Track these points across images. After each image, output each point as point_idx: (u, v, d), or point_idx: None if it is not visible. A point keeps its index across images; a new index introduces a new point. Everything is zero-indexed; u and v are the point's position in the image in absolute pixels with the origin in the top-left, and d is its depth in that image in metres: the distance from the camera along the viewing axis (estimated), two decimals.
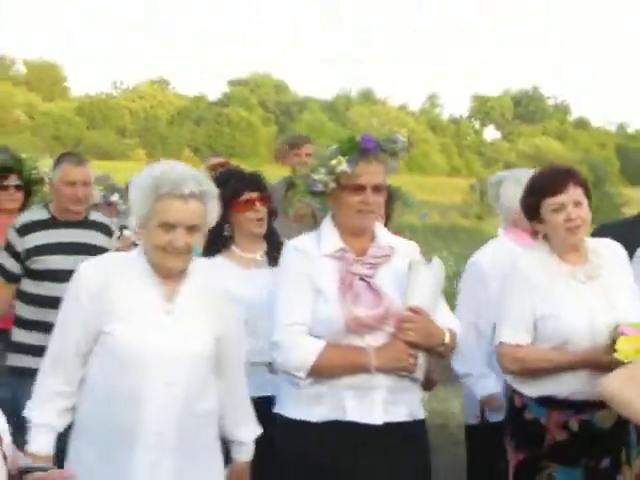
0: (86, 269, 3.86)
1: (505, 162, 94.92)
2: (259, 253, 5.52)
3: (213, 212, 3.87)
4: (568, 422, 4.61)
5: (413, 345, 4.25)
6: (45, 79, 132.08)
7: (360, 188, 4.36)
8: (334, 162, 4.38)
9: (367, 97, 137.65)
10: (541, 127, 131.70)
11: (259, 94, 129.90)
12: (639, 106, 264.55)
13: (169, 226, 3.66)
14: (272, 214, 5.69)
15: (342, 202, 4.45)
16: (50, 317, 5.12)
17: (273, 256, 5.43)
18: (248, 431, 4.18)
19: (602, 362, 4.43)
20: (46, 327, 5.11)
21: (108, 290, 3.70)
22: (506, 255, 5.60)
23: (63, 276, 5.31)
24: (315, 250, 4.47)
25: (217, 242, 5.24)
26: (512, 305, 4.80)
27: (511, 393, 4.89)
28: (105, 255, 4.80)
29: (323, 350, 4.23)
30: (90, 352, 3.75)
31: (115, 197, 9.80)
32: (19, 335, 5.93)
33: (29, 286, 5.95)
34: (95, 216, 6.49)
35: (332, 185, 4.43)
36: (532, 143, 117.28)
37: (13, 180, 6.94)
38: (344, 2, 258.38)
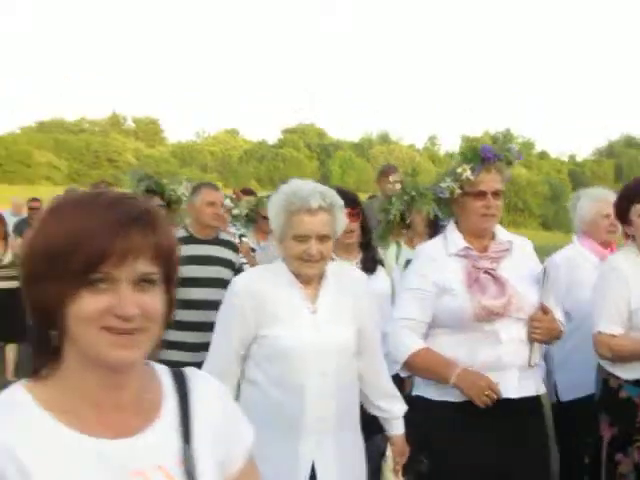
0: (242, 280, 3.74)
1: None
2: (355, 261, 5.44)
3: (340, 221, 3.66)
4: None
5: (538, 341, 4.09)
6: (148, 130, 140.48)
7: (482, 194, 4.16)
8: (459, 170, 4.22)
9: (384, 138, 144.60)
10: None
11: (305, 138, 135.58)
12: (585, 140, 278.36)
13: (302, 238, 3.52)
14: (365, 227, 5.62)
15: (466, 207, 4.24)
16: (187, 316, 5.63)
17: (367, 265, 5.47)
18: (398, 407, 3.93)
19: None
20: (185, 325, 5.63)
21: (262, 298, 3.56)
22: (579, 257, 5.67)
23: (199, 283, 5.84)
24: (442, 251, 4.26)
25: None
26: (608, 299, 4.51)
27: (606, 375, 4.56)
28: (256, 268, 4.59)
29: (416, 352, 4.08)
30: (248, 353, 3.63)
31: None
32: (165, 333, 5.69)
33: None
34: (223, 235, 6.54)
35: (458, 191, 4.23)
36: None
37: (156, 201, 6.62)
38: (367, 68, 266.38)
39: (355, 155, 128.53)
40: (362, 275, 4.04)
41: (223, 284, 5.11)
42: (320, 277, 3.68)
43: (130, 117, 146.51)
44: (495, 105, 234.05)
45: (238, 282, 3.73)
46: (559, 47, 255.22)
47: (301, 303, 3.61)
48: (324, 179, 65.98)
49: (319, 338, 3.58)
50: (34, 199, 13.59)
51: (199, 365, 4.33)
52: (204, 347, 4.68)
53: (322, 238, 3.56)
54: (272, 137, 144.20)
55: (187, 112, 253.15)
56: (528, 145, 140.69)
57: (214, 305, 4.77)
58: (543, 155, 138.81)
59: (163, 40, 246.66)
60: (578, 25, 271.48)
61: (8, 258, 10.27)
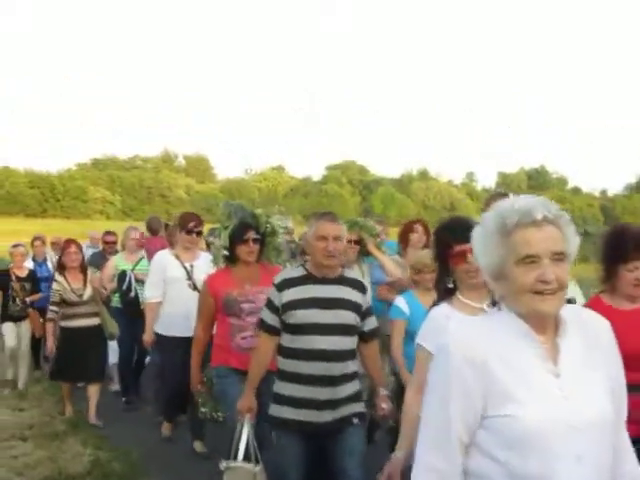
0: (459, 334, 2.59)
1: None
2: (485, 303, 4.02)
3: (573, 239, 2.56)
4: None
5: None
6: (198, 167, 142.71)
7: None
8: None
9: (424, 175, 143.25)
10: (546, 194, 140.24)
11: (347, 175, 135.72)
12: (617, 177, 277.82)
13: (529, 260, 2.45)
14: None
15: None
16: (305, 369, 4.92)
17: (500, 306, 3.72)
18: None
19: None
20: (302, 379, 4.94)
21: (487, 360, 2.47)
22: None
23: (318, 330, 4.93)
24: None
25: (440, 290, 4.35)
26: None
27: None
28: (471, 318, 3.47)
29: None
30: (473, 440, 2.52)
31: None
32: (278, 387, 5.07)
33: (287, 340, 5.01)
34: (350, 273, 5.48)
35: None
36: None
37: (251, 234, 6.21)
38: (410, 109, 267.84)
39: (396, 191, 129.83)
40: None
41: (348, 331, 5.04)
42: (556, 323, 2.58)
43: (181, 154, 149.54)
44: (530, 141, 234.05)
45: (456, 335, 2.59)
46: (592, 83, 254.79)
47: (537, 363, 2.51)
48: (366, 214, 68.11)
49: (569, 410, 2.50)
50: (109, 232, 12.74)
51: (318, 425, 5.05)
52: (325, 405, 4.96)
53: (557, 258, 2.47)
54: (316, 173, 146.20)
55: (235, 149, 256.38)
56: (562, 181, 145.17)
57: (337, 356, 4.95)
58: (576, 191, 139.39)
59: (206, 75, 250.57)
60: (610, 63, 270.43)
61: (88, 293, 9.32)
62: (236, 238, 6.27)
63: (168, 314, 8.06)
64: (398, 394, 5.70)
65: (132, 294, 10.14)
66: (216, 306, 6.29)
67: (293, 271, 5.27)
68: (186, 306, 7.64)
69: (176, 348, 7.75)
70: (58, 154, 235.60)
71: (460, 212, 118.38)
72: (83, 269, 9.44)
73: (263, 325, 5.15)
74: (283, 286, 5.06)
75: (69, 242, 9.59)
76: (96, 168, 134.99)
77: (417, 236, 7.87)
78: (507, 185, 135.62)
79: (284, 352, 5.08)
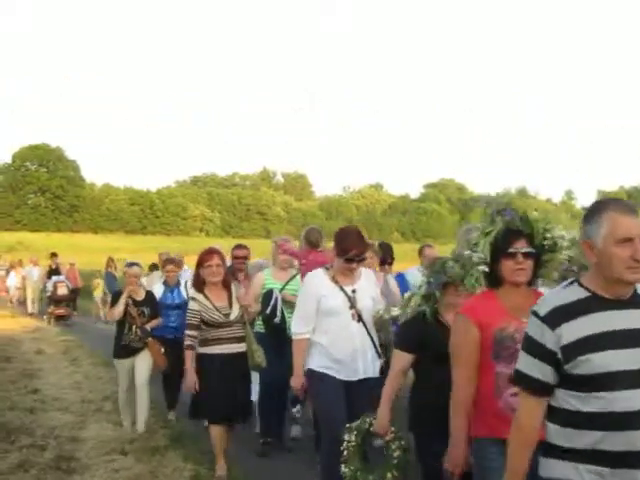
0: None
1: None
2: None
3: None
4: None
5: None
6: (296, 185, 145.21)
7: None
8: None
9: (522, 193, 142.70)
10: None
11: (446, 193, 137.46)
12: None
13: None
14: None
15: None
16: (609, 444, 3.06)
17: None
18: None
19: None
20: (606, 459, 3.08)
21: None
22: None
23: (627, 381, 3.08)
24: None
25: None
26: None
27: None
28: None
29: None
30: None
31: None
32: (549, 470, 3.17)
33: (571, 401, 3.11)
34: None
35: None
36: None
37: (521, 244, 4.32)
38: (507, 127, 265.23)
39: None
40: None
41: None
42: None
43: (279, 172, 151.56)
44: (630, 160, 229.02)
45: None
46: None
47: None
48: None
49: None
50: (240, 246, 10.12)
51: None
52: None
53: None
54: (414, 191, 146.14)
55: (334, 167, 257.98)
56: None
57: None
58: None
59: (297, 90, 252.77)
60: None
61: (235, 313, 7.58)
62: (500, 249, 4.40)
63: (326, 353, 6.37)
64: None
65: (277, 319, 8.37)
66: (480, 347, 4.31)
67: (561, 293, 3.28)
68: (351, 343, 6.33)
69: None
70: (157, 172, 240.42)
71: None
72: (227, 285, 7.70)
73: (525, 382, 3.25)
74: (556, 318, 3.16)
75: (210, 253, 7.70)
76: (195, 185, 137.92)
77: None
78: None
79: (565, 419, 3.18)
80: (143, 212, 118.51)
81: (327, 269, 6.55)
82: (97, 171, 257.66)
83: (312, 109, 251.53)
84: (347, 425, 5.72)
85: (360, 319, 6.35)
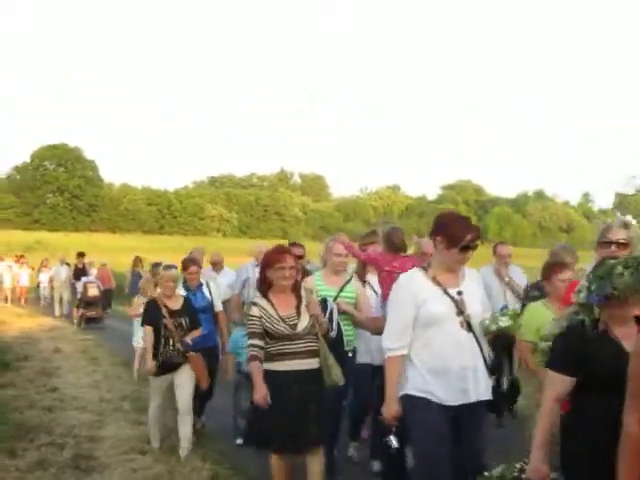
0: None
1: None
2: None
3: None
4: None
5: None
6: (314, 186, 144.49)
7: None
8: None
9: (540, 195, 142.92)
10: None
11: (463, 195, 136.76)
12: None
13: None
14: None
15: None
16: None
17: None
18: None
19: None
20: None
21: None
22: None
23: None
24: None
25: None
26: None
27: None
28: None
29: None
30: None
31: None
32: None
33: None
34: None
35: None
36: None
37: None
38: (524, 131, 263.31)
39: (512, 211, 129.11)
40: None
41: None
42: None
43: (297, 173, 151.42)
44: None
45: None
46: None
47: None
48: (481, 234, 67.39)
49: None
50: (295, 244, 9.53)
51: None
52: None
53: None
54: (431, 193, 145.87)
55: (351, 168, 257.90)
56: None
57: None
58: None
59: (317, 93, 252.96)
60: None
61: (304, 324, 6.33)
62: None
63: (428, 372, 5.09)
64: None
65: (333, 333, 6.84)
66: None
67: None
68: (460, 358, 5.07)
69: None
70: (175, 172, 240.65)
71: (578, 232, 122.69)
72: (297, 290, 6.45)
73: None
74: None
75: (282, 253, 6.46)
76: (213, 186, 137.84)
77: None
78: (625, 207, 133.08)
79: None
80: (161, 212, 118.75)
81: (424, 269, 5.30)
82: (115, 171, 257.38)
83: (312, 109, 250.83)
84: (485, 474, 4.58)
85: (470, 328, 5.10)
